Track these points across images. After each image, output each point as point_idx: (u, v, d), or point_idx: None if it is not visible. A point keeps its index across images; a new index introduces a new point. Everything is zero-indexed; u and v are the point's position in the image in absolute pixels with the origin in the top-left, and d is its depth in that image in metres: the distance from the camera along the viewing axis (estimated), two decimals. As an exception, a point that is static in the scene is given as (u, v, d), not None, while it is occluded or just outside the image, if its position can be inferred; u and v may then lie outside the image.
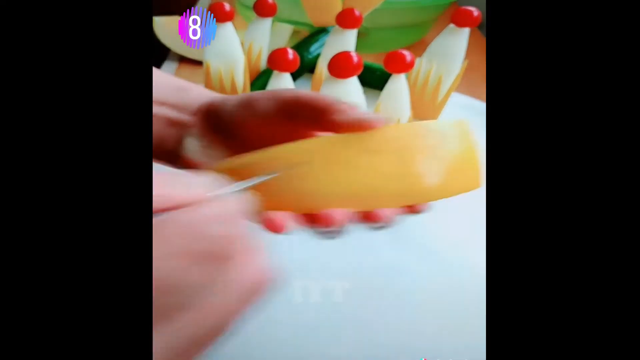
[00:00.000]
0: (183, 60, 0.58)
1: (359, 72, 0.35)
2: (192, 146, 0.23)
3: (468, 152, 0.20)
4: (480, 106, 0.52)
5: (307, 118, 0.21)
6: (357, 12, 0.43)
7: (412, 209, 0.20)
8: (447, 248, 0.35)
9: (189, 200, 0.14)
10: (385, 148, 0.19)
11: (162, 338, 0.13)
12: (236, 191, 0.16)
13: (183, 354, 0.14)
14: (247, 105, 0.22)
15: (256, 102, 0.22)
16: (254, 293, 0.15)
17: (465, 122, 0.20)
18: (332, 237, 0.21)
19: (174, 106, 0.24)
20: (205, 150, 0.23)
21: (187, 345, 0.14)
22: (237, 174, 0.19)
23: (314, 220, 0.19)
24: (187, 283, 0.13)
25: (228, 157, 0.21)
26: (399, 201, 0.20)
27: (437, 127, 0.19)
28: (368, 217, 0.20)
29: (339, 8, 0.50)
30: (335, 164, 0.19)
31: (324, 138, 0.19)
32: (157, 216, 0.13)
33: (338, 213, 0.19)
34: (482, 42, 0.68)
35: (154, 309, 0.13)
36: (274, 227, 0.19)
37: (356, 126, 0.19)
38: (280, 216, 0.19)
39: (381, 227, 0.20)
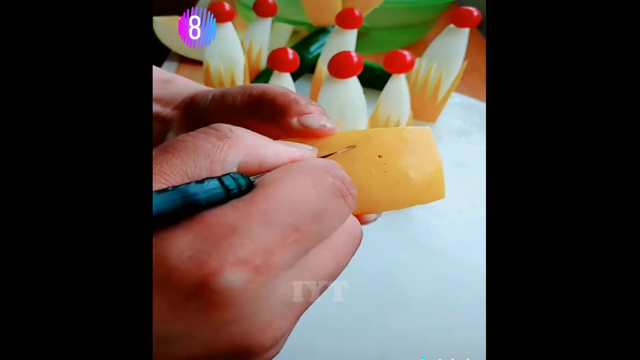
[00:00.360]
0: (183, 60, 0.58)
1: (359, 72, 0.35)
2: None
3: (428, 162, 0.19)
4: (480, 106, 0.52)
5: (268, 115, 0.20)
6: (357, 12, 0.43)
7: (358, 219, 0.20)
8: (447, 248, 0.35)
9: (296, 156, 0.16)
10: (333, 156, 0.18)
11: (307, 270, 0.14)
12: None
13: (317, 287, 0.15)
14: (220, 99, 0.22)
15: (228, 95, 0.21)
16: (356, 245, 0.16)
17: (427, 130, 0.19)
18: None
19: (158, 100, 0.24)
20: None
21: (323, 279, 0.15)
22: None
23: None
24: (329, 211, 0.14)
25: None
26: None
27: (392, 137, 0.19)
28: None
29: (339, 8, 0.50)
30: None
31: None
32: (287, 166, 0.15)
33: None
34: (482, 42, 0.68)
35: (304, 233, 0.13)
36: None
37: (305, 132, 0.19)
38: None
39: None
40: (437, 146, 0.19)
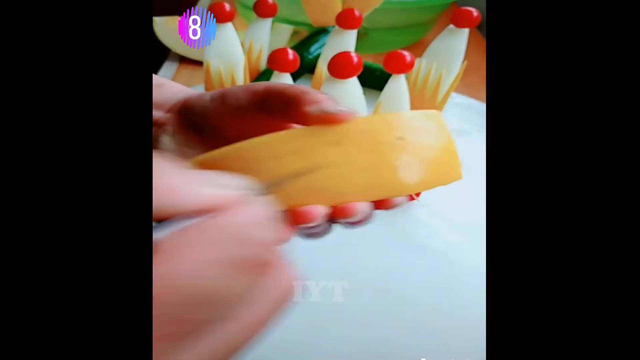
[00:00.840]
0: (183, 60, 0.58)
1: (359, 72, 0.35)
2: (167, 145, 0.23)
3: (444, 143, 0.19)
4: (480, 106, 0.52)
5: (278, 109, 0.20)
6: (357, 13, 0.43)
7: (384, 204, 0.19)
8: (447, 248, 0.35)
9: (222, 202, 0.13)
10: (353, 140, 0.18)
11: (194, 354, 0.12)
12: (263, 192, 0.16)
13: None
14: (221, 99, 0.21)
15: (229, 95, 0.21)
16: (285, 300, 0.15)
17: (438, 113, 0.20)
18: (314, 238, 0.20)
19: None
20: (180, 148, 0.23)
21: None
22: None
23: (289, 218, 0.18)
24: (229, 293, 0.12)
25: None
26: (369, 194, 0.18)
27: (409, 119, 0.19)
28: (340, 213, 0.18)
29: (339, 8, 0.50)
30: (300, 157, 0.18)
31: (291, 131, 0.18)
32: (187, 220, 0.12)
33: (311, 210, 0.18)
34: (482, 42, 0.68)
35: (187, 323, 0.12)
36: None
37: (325, 118, 0.18)
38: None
39: (358, 224, 0.19)
40: None
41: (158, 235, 0.12)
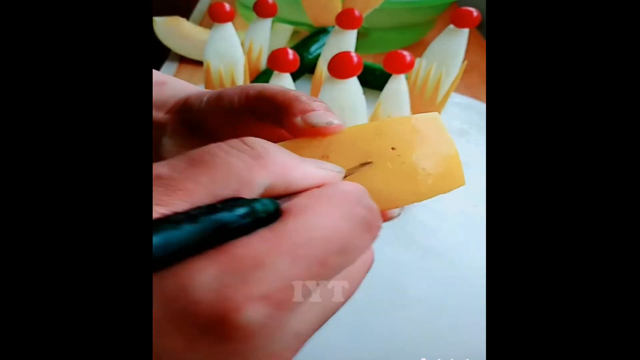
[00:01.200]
0: (183, 60, 0.58)
1: (359, 72, 0.35)
2: (166, 147, 0.22)
3: (442, 149, 0.18)
4: (479, 106, 0.52)
5: (269, 115, 0.19)
6: (357, 13, 0.43)
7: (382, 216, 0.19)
8: (447, 248, 0.35)
9: (327, 179, 0.15)
10: (342, 153, 0.17)
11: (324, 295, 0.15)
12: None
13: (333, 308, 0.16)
14: (216, 101, 0.21)
15: (224, 97, 0.20)
16: (369, 266, 0.17)
17: (436, 116, 0.18)
18: None
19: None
20: (179, 150, 0.22)
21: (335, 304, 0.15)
22: None
23: None
24: (358, 245, 0.14)
25: None
26: None
27: (403, 125, 0.17)
28: None
29: (339, 8, 0.50)
30: None
31: (283, 143, 0.18)
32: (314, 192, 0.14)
33: None
34: (481, 42, 0.68)
35: (335, 268, 0.13)
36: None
37: (313, 131, 0.17)
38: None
39: None
40: None
41: (285, 203, 0.14)
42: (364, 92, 0.37)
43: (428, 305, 0.31)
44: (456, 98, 0.52)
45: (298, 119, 0.18)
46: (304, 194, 0.14)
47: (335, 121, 0.17)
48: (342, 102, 0.36)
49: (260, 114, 0.20)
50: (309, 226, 0.13)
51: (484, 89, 0.56)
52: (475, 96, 0.53)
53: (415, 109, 0.45)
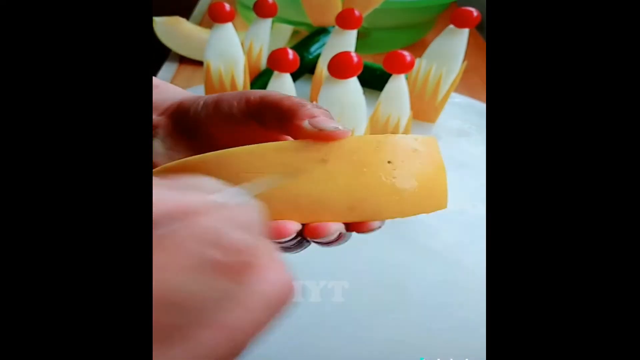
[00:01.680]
0: (183, 60, 0.58)
1: (359, 72, 0.35)
2: (156, 148, 0.22)
3: (433, 172, 0.18)
4: (479, 106, 0.52)
5: (271, 120, 0.20)
6: (357, 13, 0.43)
7: (360, 227, 0.18)
8: (447, 248, 0.35)
9: (202, 205, 0.12)
10: (340, 159, 0.17)
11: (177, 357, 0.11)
12: (247, 196, 0.15)
13: None
14: (214, 105, 0.21)
15: (224, 102, 0.21)
16: (279, 303, 0.14)
17: (434, 140, 0.19)
18: (285, 252, 0.19)
19: None
20: (168, 153, 0.22)
21: None
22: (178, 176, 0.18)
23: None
24: (205, 297, 0.12)
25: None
26: (346, 216, 0.18)
27: (402, 144, 0.18)
28: (311, 231, 0.18)
29: (339, 8, 0.50)
30: (282, 169, 0.17)
31: (277, 143, 0.18)
32: (166, 224, 0.12)
33: (283, 225, 0.17)
34: (481, 42, 0.68)
35: (164, 328, 0.11)
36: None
37: (318, 135, 0.18)
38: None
39: (329, 244, 0.19)
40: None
41: None
42: (364, 92, 0.37)
43: (428, 305, 0.31)
44: (456, 98, 0.52)
45: (305, 122, 0.18)
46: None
47: (341, 128, 0.18)
48: (342, 102, 0.36)
49: (261, 119, 0.20)
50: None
51: (483, 89, 0.56)
52: (474, 96, 0.53)
53: (415, 109, 0.45)
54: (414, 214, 0.18)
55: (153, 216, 0.12)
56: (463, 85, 0.55)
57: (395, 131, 0.41)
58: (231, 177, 0.17)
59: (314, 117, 0.18)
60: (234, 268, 0.12)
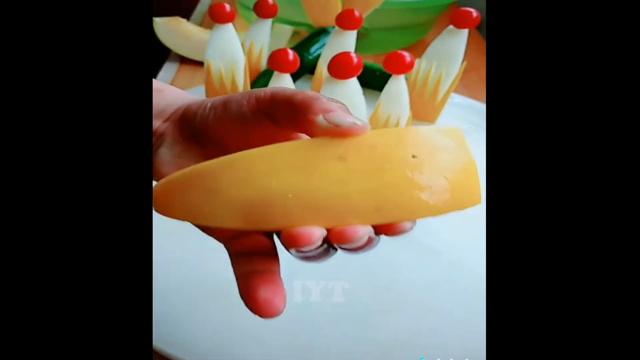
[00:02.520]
0: (184, 61, 0.58)
1: (359, 72, 0.35)
2: (163, 157, 0.21)
3: (464, 164, 0.17)
4: (478, 107, 0.52)
5: (284, 117, 0.18)
6: (356, 13, 0.43)
7: (390, 229, 0.17)
8: (447, 248, 0.35)
9: None
10: (361, 156, 0.16)
11: None
12: None
13: None
14: (223, 106, 0.20)
15: (232, 102, 0.20)
16: None
17: (458, 130, 0.18)
18: (311, 261, 0.18)
19: None
20: (177, 161, 0.21)
21: None
22: (186, 184, 0.17)
23: (283, 239, 0.16)
24: None
25: None
26: (374, 218, 0.16)
27: (426, 135, 0.17)
28: (337, 237, 0.16)
29: (339, 9, 0.50)
30: (300, 172, 0.16)
31: (290, 143, 0.17)
32: None
33: (306, 232, 0.16)
34: (480, 43, 0.68)
35: None
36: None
37: (334, 131, 0.16)
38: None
39: (358, 250, 0.17)
40: None
41: None
42: (364, 93, 0.37)
43: (428, 305, 0.31)
44: (455, 98, 0.52)
45: (320, 118, 0.17)
46: None
47: (359, 122, 0.17)
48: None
49: (273, 117, 0.19)
50: None
51: (482, 89, 0.56)
52: (474, 96, 0.54)
53: (414, 110, 0.45)
54: (448, 212, 0.17)
55: None
56: (462, 86, 0.55)
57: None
58: (244, 183, 0.16)
59: (329, 111, 0.17)
60: None
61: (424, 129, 0.17)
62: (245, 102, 0.19)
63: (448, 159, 0.17)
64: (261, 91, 0.19)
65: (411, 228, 0.17)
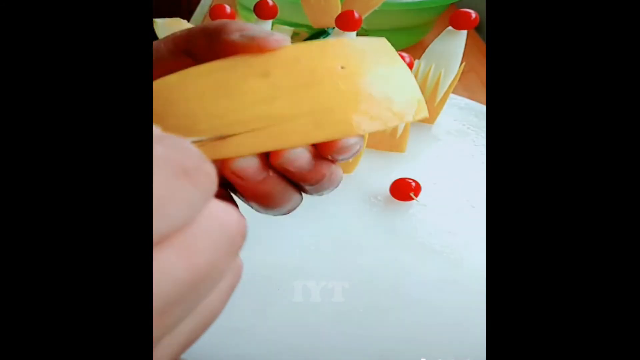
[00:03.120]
0: (183, 61, 0.58)
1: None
2: None
3: (398, 72, 0.16)
4: (477, 107, 0.52)
5: (201, 48, 0.18)
6: (356, 14, 0.43)
7: (330, 148, 0.16)
8: (446, 248, 0.35)
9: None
10: (285, 70, 0.15)
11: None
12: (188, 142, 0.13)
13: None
14: None
15: (153, 50, 0.19)
16: (233, 235, 0.12)
17: (383, 40, 0.17)
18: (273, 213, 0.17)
19: None
20: None
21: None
22: None
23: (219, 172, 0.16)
24: (179, 198, 0.11)
25: None
26: (316, 134, 0.15)
27: (351, 45, 0.16)
28: (275, 159, 0.15)
29: (338, 10, 0.50)
30: (222, 93, 0.15)
31: (208, 64, 0.16)
32: None
33: (244, 162, 0.15)
34: (479, 44, 0.68)
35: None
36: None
37: (252, 46, 0.16)
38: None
39: (308, 181, 0.16)
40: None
41: None
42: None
43: (428, 305, 0.31)
44: (454, 99, 0.52)
45: (235, 34, 0.16)
46: None
47: (277, 34, 0.16)
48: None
49: (193, 52, 0.19)
50: None
51: (481, 90, 0.56)
52: (473, 97, 0.54)
53: (414, 110, 0.45)
54: (395, 124, 0.16)
55: None
56: (461, 86, 0.56)
57: (394, 132, 0.41)
58: (169, 110, 0.15)
59: (245, 29, 0.17)
60: (190, 168, 0.11)
61: (345, 40, 0.16)
62: (162, 45, 0.19)
63: (381, 67, 0.16)
64: (178, 31, 0.19)
65: (356, 143, 0.16)
